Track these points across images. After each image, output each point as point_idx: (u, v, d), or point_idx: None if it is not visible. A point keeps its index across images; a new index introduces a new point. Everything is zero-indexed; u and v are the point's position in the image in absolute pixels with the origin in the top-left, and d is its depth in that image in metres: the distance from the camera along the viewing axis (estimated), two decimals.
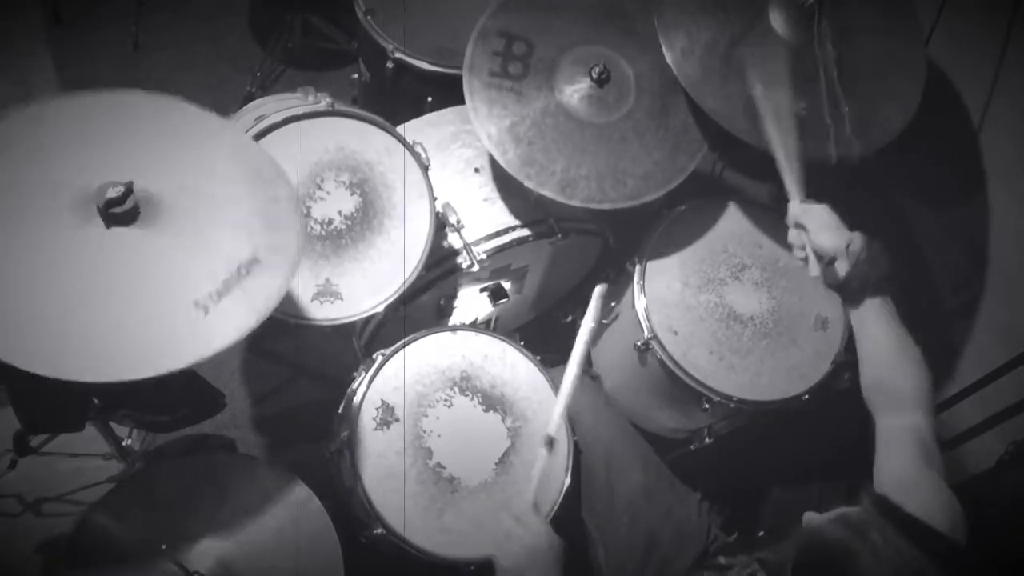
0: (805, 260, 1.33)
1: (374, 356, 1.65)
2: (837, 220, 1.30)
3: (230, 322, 1.17)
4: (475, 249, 1.77)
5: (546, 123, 1.70)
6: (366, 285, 1.64)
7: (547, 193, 1.68)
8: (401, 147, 1.70)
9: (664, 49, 1.66)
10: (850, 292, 1.30)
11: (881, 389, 1.26)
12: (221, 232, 1.23)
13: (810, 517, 1.00)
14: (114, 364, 1.09)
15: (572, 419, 1.67)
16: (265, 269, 1.23)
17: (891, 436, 1.21)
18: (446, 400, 1.62)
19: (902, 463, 1.17)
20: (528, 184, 1.67)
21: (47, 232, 1.12)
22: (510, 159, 1.67)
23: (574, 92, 1.73)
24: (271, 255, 1.24)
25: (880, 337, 1.27)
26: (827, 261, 1.29)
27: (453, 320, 2.02)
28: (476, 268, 1.75)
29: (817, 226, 1.30)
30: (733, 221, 1.91)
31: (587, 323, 1.40)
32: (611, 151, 1.73)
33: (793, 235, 1.35)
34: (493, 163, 1.91)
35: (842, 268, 1.27)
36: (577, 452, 1.63)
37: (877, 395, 1.26)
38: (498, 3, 1.74)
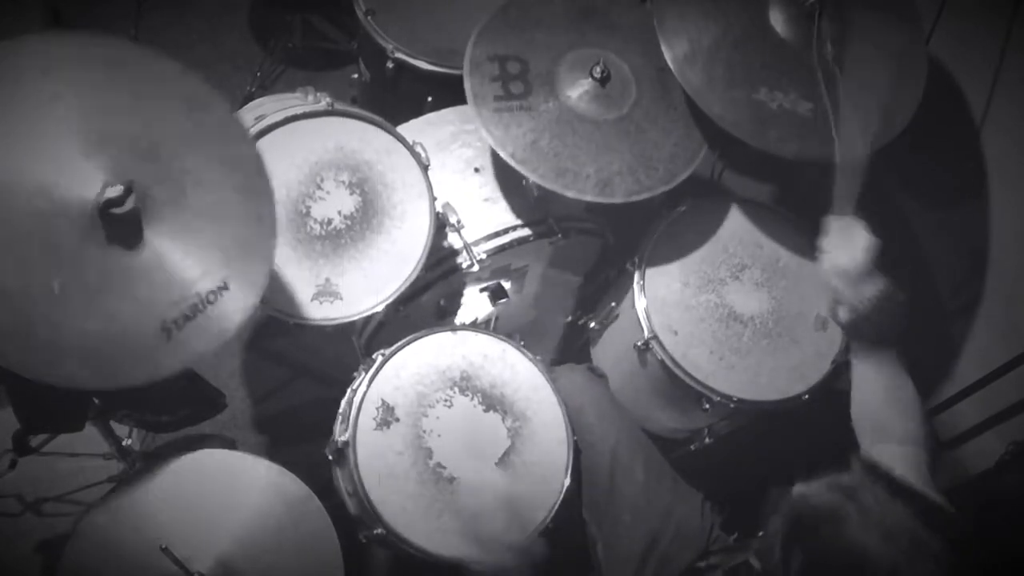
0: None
1: (374, 356, 1.65)
2: (868, 266, 1.20)
3: (186, 349, 1.16)
4: (475, 249, 1.77)
5: (563, 131, 1.70)
6: (366, 285, 1.64)
7: (590, 198, 1.67)
8: (401, 147, 1.70)
9: (667, 58, 1.66)
10: (851, 335, 1.24)
11: (869, 423, 1.22)
12: (202, 250, 1.21)
13: (800, 487, 0.98)
14: (77, 371, 1.09)
15: (576, 417, 1.68)
16: (231, 298, 1.21)
17: (879, 455, 1.18)
18: (446, 400, 1.62)
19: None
20: (568, 194, 1.66)
21: (44, 235, 1.12)
22: (543, 174, 1.66)
23: (581, 96, 1.74)
24: (240, 285, 1.22)
25: (875, 381, 1.22)
26: (834, 298, 1.23)
27: (453, 320, 2.02)
28: (476, 268, 1.76)
29: (844, 264, 1.21)
30: (733, 221, 1.91)
31: None
32: (633, 143, 1.73)
33: (823, 244, 1.26)
34: (493, 163, 1.92)
35: (843, 314, 1.21)
36: (577, 452, 1.64)
37: (863, 427, 1.23)
38: (477, 31, 1.74)
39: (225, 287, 1.20)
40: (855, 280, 1.20)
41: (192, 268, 1.19)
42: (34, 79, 1.11)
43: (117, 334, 1.12)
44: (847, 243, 1.23)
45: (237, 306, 1.21)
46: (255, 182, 1.30)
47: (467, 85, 1.69)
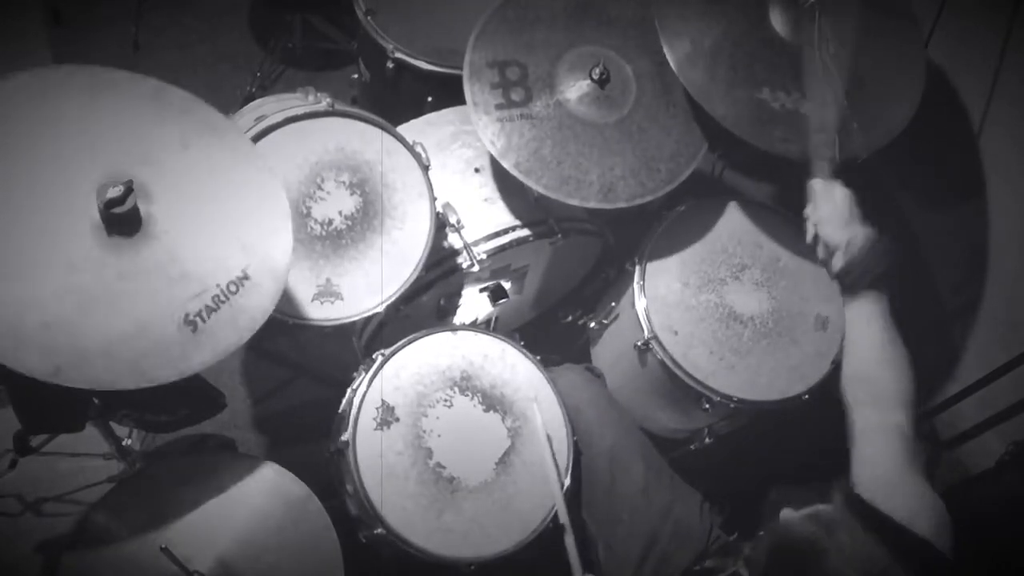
0: (814, 240, 1.35)
1: (374, 356, 1.65)
2: (850, 212, 1.31)
3: (216, 340, 1.18)
4: (475, 249, 1.77)
5: (565, 138, 1.70)
6: (366, 285, 1.64)
7: (593, 204, 1.68)
8: (401, 147, 1.70)
9: (669, 59, 1.66)
10: (846, 283, 1.31)
11: (863, 383, 1.26)
12: (215, 246, 1.23)
13: (785, 514, 1.00)
14: (105, 373, 1.10)
15: (575, 417, 1.68)
16: (254, 287, 1.23)
17: (870, 432, 1.20)
18: (446, 400, 1.62)
19: (883, 461, 1.16)
20: (572, 202, 1.68)
21: (48, 236, 1.13)
22: (547, 184, 1.67)
23: (581, 99, 1.74)
24: (262, 273, 1.24)
25: (870, 333, 1.28)
26: (828, 250, 1.31)
27: (453, 320, 2.02)
28: (476, 268, 1.75)
29: (828, 212, 1.31)
30: (733, 221, 1.91)
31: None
32: (635, 144, 1.74)
33: (808, 210, 1.37)
34: (493, 163, 1.92)
35: (837, 262, 1.29)
36: (577, 452, 1.64)
37: (858, 388, 1.26)
38: (475, 36, 1.74)
39: (246, 276, 1.23)
40: (841, 225, 1.31)
41: (207, 261, 1.21)
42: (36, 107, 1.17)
43: (140, 332, 1.14)
44: (828, 197, 1.35)
45: (262, 293, 1.24)
46: (258, 177, 1.32)
47: (468, 95, 1.69)
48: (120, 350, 1.12)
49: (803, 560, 0.94)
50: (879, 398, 1.22)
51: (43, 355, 1.07)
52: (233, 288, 1.21)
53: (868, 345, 1.28)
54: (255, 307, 1.23)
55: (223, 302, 1.20)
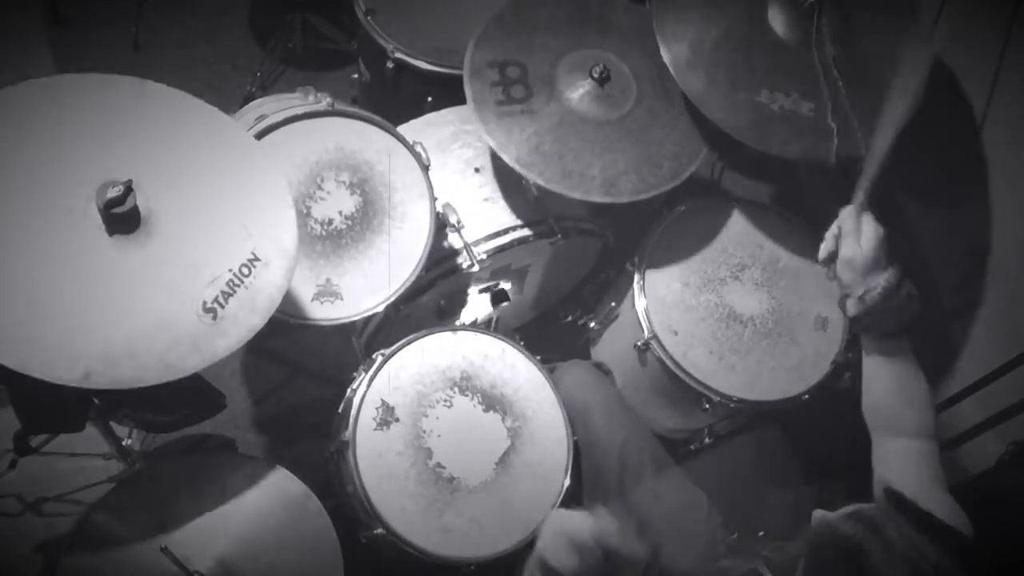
0: (827, 264, 1.25)
1: (374, 356, 1.65)
2: (874, 258, 1.19)
3: (238, 324, 1.19)
4: (475, 249, 1.77)
5: (566, 134, 1.70)
6: (366, 285, 1.64)
7: (596, 199, 1.67)
8: (401, 147, 1.70)
9: (668, 63, 1.66)
10: (857, 328, 1.24)
11: (880, 413, 1.22)
12: (220, 233, 1.24)
13: (821, 514, 0.98)
14: (133, 371, 1.11)
15: (582, 415, 1.67)
16: (266, 267, 1.24)
17: (890, 454, 1.18)
18: (446, 400, 1.62)
19: (904, 476, 1.14)
20: (575, 195, 1.66)
21: (49, 236, 1.13)
22: (548, 177, 1.66)
23: (582, 97, 1.74)
24: (271, 253, 1.25)
25: (886, 371, 1.22)
26: (841, 288, 1.22)
27: (454, 320, 2.02)
28: (476, 268, 1.76)
29: (851, 255, 1.20)
30: (733, 221, 1.91)
31: None
32: (636, 141, 1.74)
33: (830, 237, 1.25)
34: (493, 163, 1.92)
35: (851, 307, 1.21)
36: (577, 452, 1.63)
37: (875, 417, 1.23)
38: (476, 38, 1.75)
39: (256, 258, 1.24)
40: (861, 271, 1.20)
41: (214, 248, 1.22)
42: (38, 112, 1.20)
43: (161, 326, 1.14)
44: (855, 235, 1.22)
45: (276, 273, 1.25)
46: (254, 162, 1.33)
47: (468, 91, 1.69)
48: (145, 346, 1.12)
49: (847, 559, 0.91)
50: (896, 428, 1.19)
51: (70, 362, 1.07)
52: (246, 271, 1.22)
53: (885, 380, 1.22)
54: (270, 286, 1.24)
55: (238, 286, 1.21)
